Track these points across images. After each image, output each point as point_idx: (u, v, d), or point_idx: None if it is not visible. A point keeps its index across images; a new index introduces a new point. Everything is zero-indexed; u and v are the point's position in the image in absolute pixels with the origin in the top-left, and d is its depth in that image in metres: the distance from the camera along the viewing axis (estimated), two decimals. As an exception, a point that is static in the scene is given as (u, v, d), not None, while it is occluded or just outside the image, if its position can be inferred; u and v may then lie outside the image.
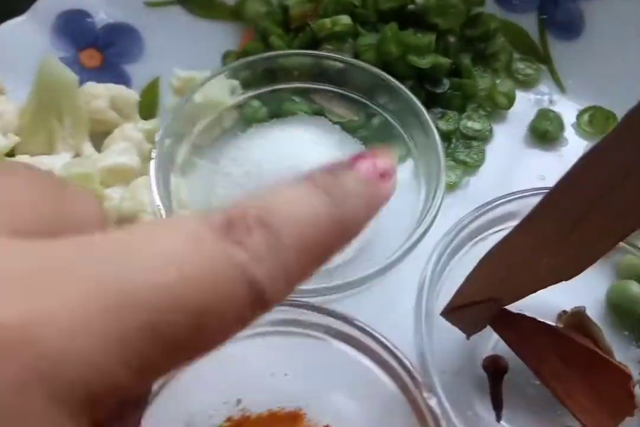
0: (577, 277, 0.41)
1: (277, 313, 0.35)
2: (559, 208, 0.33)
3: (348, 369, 0.35)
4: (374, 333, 0.34)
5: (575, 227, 0.34)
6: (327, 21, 0.45)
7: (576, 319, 0.39)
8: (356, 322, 0.34)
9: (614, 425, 0.37)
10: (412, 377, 0.32)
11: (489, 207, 0.39)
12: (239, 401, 0.37)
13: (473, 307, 0.37)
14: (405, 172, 0.45)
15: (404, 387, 0.33)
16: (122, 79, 0.49)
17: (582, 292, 0.41)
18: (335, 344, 0.35)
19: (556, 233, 0.34)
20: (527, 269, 0.36)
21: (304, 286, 0.39)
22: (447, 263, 0.38)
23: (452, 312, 0.37)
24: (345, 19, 0.46)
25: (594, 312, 0.41)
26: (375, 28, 0.47)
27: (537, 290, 0.37)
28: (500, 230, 0.40)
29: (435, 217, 0.39)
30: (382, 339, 0.33)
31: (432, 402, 0.31)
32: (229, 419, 0.37)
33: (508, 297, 0.38)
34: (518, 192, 0.39)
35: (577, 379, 0.37)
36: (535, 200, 0.32)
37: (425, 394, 0.31)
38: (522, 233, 0.34)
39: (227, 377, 0.36)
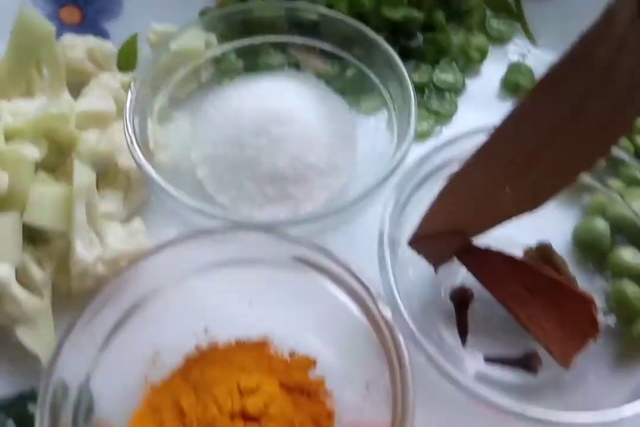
0: (545, 216, 0.42)
1: (243, 243, 0.36)
2: (516, 137, 0.34)
3: (311, 294, 0.36)
4: (335, 256, 0.34)
5: (534, 157, 0.34)
6: (300, -27, 0.47)
7: (541, 252, 0.40)
8: (317, 246, 0.35)
9: (578, 349, 0.37)
10: (369, 292, 0.32)
11: (452, 142, 0.40)
12: (206, 331, 0.38)
13: (439, 238, 0.38)
14: (380, 121, 0.46)
15: (363, 305, 0.33)
16: (101, 36, 0.50)
17: (550, 231, 0.42)
18: (297, 271, 0.36)
19: (515, 163, 0.35)
20: (489, 199, 0.36)
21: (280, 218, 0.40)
22: (411, 195, 0.39)
23: (418, 242, 0.38)
24: (317, -30, 0.47)
25: (561, 248, 0.42)
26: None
27: (501, 222, 0.38)
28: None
29: (403, 158, 0.40)
30: (342, 261, 0.34)
31: (387, 313, 0.32)
32: (197, 349, 0.38)
33: (473, 229, 0.38)
34: (480, 129, 0.40)
35: (541, 306, 0.38)
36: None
37: (381, 306, 0.32)
38: (479, 162, 0.34)
39: (194, 307, 0.37)
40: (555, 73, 0.31)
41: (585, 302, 0.37)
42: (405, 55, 0.49)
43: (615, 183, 0.41)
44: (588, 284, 0.40)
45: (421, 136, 0.47)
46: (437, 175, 0.40)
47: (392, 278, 0.34)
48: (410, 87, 0.42)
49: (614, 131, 0.34)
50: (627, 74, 0.31)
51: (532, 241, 0.41)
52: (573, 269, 0.41)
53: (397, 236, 0.37)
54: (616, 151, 0.41)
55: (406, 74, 0.42)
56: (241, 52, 0.48)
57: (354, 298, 0.34)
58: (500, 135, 0.34)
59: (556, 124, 0.33)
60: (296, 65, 0.47)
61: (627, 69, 0.31)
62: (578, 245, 0.42)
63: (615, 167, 0.41)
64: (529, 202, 0.37)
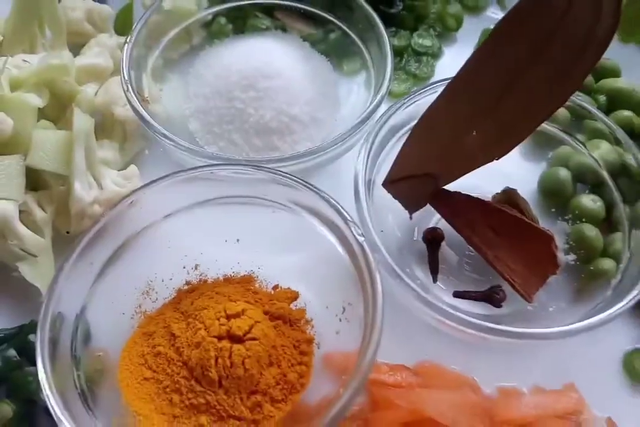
0: (513, 166, 0.45)
1: (227, 182, 0.39)
2: (479, 79, 0.37)
3: (294, 229, 0.39)
4: (315, 188, 0.37)
5: (498, 100, 0.37)
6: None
7: (506, 195, 0.43)
8: (299, 181, 0.37)
9: (539, 285, 0.40)
10: (345, 220, 0.35)
11: (421, 93, 0.42)
12: (196, 266, 0.41)
13: (412, 181, 0.41)
14: (358, 82, 0.49)
15: (341, 235, 0.36)
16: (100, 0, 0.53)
17: (518, 181, 0.45)
18: (281, 207, 0.39)
19: (479, 106, 0.38)
20: (457, 143, 0.39)
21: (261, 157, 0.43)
22: (385, 142, 0.41)
23: (393, 184, 0.41)
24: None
25: (528, 196, 0.44)
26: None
27: (471, 168, 0.41)
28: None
29: (374, 110, 0.43)
30: (319, 192, 0.36)
31: (361, 238, 0.35)
32: (187, 283, 0.41)
33: (445, 175, 0.41)
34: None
35: (507, 246, 0.41)
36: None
37: (355, 232, 0.35)
38: (444, 105, 0.37)
39: (185, 243, 0.40)
40: (516, 14, 0.34)
41: (547, 240, 0.40)
42: (386, 21, 0.52)
43: (580, 135, 0.44)
44: (551, 226, 0.43)
45: (399, 96, 0.50)
46: (410, 125, 0.42)
47: (366, 213, 0.37)
48: (389, 46, 0.45)
49: (576, 74, 0.37)
50: (585, 15, 0.34)
51: (499, 189, 0.44)
52: (538, 214, 0.44)
53: (373, 178, 0.40)
54: (581, 103, 0.43)
55: (386, 35, 0.45)
56: (230, 16, 0.51)
57: (332, 229, 0.37)
58: (464, 78, 0.36)
59: (518, 66, 0.36)
60: (283, 29, 0.50)
61: (585, 11, 0.34)
62: (542, 192, 0.45)
63: (580, 119, 0.44)
64: (496, 146, 0.40)
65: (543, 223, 0.44)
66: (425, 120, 0.38)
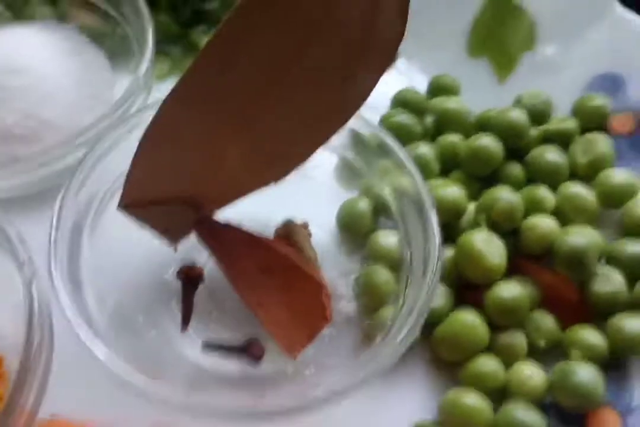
0: (315, 195, 0.38)
1: None
2: (223, 72, 0.28)
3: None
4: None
5: (255, 111, 0.30)
6: None
7: (286, 229, 0.36)
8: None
9: (307, 338, 0.33)
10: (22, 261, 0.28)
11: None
12: None
13: (164, 206, 0.33)
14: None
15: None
16: None
17: (319, 211, 0.38)
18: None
19: (229, 116, 0.30)
20: (215, 162, 0.32)
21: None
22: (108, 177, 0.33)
23: (135, 208, 0.33)
24: None
25: (327, 229, 0.37)
26: None
27: (242, 194, 0.34)
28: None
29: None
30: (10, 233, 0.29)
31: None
32: None
33: (209, 200, 0.34)
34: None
35: (274, 290, 0.34)
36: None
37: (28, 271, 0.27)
38: (182, 109, 0.30)
39: None
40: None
41: (317, 288, 0.33)
42: (199, 17, 0.46)
43: (383, 164, 0.37)
44: (344, 267, 0.36)
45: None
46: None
47: (52, 248, 0.29)
48: (150, 50, 0.38)
49: (359, 81, 0.30)
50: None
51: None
52: (335, 250, 0.37)
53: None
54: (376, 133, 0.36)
55: (150, 29, 0.39)
56: (8, 1, 0.43)
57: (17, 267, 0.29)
58: (199, 76, 0.28)
59: (273, 67, 0.28)
60: (64, 19, 0.43)
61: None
62: (340, 225, 0.38)
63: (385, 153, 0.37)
64: (267, 169, 0.33)
65: (337, 262, 0.36)
66: (157, 129, 0.30)
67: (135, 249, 0.33)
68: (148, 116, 0.29)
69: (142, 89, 0.37)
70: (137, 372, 0.27)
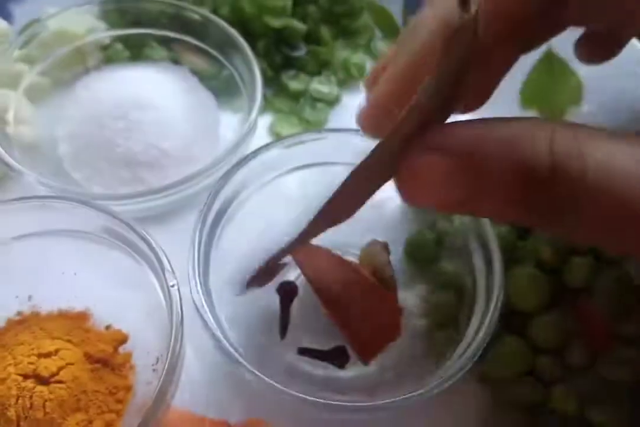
0: (384, 225, 0.45)
1: (71, 215, 0.38)
2: None
3: (127, 272, 0.37)
4: (150, 241, 0.36)
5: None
6: (189, -25, 0.49)
7: (370, 247, 0.42)
8: (136, 228, 0.36)
9: (378, 350, 0.39)
10: (163, 270, 0.34)
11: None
12: (30, 297, 0.39)
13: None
14: (235, 121, 0.48)
15: (162, 286, 0.35)
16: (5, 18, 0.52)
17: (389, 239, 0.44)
18: (118, 247, 0.37)
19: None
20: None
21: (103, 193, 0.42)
22: (228, 204, 0.40)
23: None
24: (204, -26, 0.49)
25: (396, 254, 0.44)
26: (239, -11, 0.51)
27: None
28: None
29: (228, 155, 0.42)
30: (154, 245, 0.35)
31: (172, 282, 0.33)
32: (19, 313, 0.39)
33: None
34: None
35: (354, 305, 0.40)
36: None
37: (169, 280, 0.33)
38: None
39: (19, 272, 0.39)
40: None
41: (392, 305, 0.39)
42: (288, 63, 0.52)
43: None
44: (413, 288, 0.43)
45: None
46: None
47: (195, 263, 0.35)
48: (260, 98, 0.45)
49: None
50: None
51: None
52: (404, 272, 0.43)
53: (218, 232, 0.39)
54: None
55: (260, 83, 0.45)
56: (128, 42, 0.50)
57: (157, 276, 0.35)
58: None
59: None
60: (176, 61, 0.49)
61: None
62: (407, 253, 0.44)
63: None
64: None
65: (405, 285, 0.43)
66: None
67: (244, 265, 0.40)
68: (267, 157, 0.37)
69: (254, 128, 0.43)
70: (248, 364, 0.34)
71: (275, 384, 0.34)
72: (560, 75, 0.53)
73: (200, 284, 0.35)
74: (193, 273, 0.35)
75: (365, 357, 0.39)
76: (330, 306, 0.40)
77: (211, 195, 0.37)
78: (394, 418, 0.39)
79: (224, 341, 0.34)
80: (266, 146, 0.40)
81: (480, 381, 0.41)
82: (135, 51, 0.50)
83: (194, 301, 0.34)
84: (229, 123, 0.48)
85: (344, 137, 0.41)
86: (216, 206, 0.38)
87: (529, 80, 0.54)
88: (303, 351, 0.40)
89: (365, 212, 0.43)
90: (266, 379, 0.33)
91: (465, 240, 0.42)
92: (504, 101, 0.53)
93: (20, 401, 0.34)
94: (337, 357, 0.40)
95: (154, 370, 0.36)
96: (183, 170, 0.44)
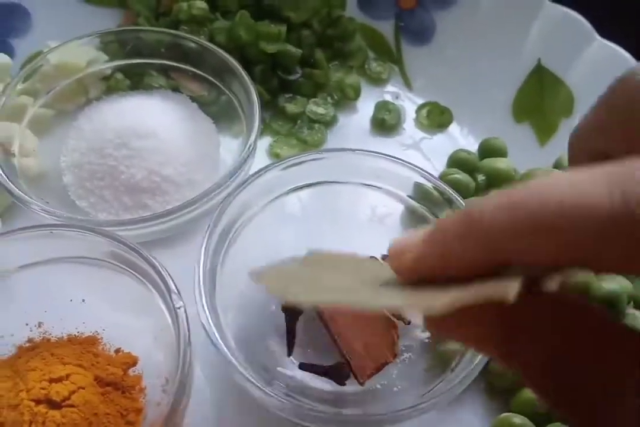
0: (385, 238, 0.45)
1: (77, 242, 0.39)
2: None
3: (134, 296, 0.38)
4: (156, 265, 0.37)
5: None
6: (184, 5, 0.51)
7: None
8: (142, 252, 0.37)
9: (375, 368, 0.40)
10: (169, 292, 0.35)
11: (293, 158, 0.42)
12: (40, 324, 0.40)
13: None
14: (235, 145, 0.49)
15: (169, 308, 0.36)
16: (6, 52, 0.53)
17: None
18: (123, 273, 0.38)
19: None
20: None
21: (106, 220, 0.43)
22: (232, 224, 0.40)
23: None
24: (200, 4, 0.51)
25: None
26: (235, 17, 0.52)
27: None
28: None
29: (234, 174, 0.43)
30: (160, 269, 0.36)
31: (179, 304, 0.34)
32: (30, 340, 0.40)
33: None
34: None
35: (351, 325, 0.41)
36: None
37: (176, 303, 0.34)
38: None
39: (28, 299, 0.40)
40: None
41: (389, 325, 0.40)
42: (284, 87, 0.54)
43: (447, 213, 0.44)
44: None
45: (286, 161, 0.50)
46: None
47: (200, 282, 0.36)
48: (258, 118, 0.46)
49: None
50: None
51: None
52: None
53: (224, 248, 0.40)
54: (443, 187, 0.43)
55: (258, 108, 0.46)
56: (128, 72, 0.51)
57: (164, 298, 0.36)
58: None
59: None
60: (176, 89, 0.51)
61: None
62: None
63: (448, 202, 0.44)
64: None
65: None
66: None
67: (249, 285, 0.41)
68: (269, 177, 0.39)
69: (253, 151, 0.44)
70: (255, 381, 0.35)
71: (284, 400, 0.35)
72: (551, 87, 0.54)
73: (207, 303, 0.36)
74: (199, 293, 0.36)
75: (361, 376, 0.40)
76: (330, 322, 0.41)
77: (215, 217, 0.38)
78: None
79: (232, 359, 0.35)
80: (266, 167, 0.41)
81: (486, 391, 0.42)
82: (135, 80, 0.51)
83: (201, 321, 0.35)
84: (228, 147, 0.49)
85: (343, 157, 0.42)
86: (220, 227, 0.39)
87: (520, 93, 0.55)
88: (304, 367, 0.41)
89: (363, 228, 0.44)
90: (274, 395, 0.34)
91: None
92: (498, 115, 0.55)
93: (33, 426, 0.35)
94: (336, 374, 0.40)
95: (163, 391, 0.37)
96: (185, 195, 0.46)
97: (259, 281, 0.36)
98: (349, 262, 0.38)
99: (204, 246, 0.37)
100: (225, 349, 0.35)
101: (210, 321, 0.35)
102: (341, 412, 0.39)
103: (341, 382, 0.40)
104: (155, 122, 0.46)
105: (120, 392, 0.38)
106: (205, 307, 0.35)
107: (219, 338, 0.35)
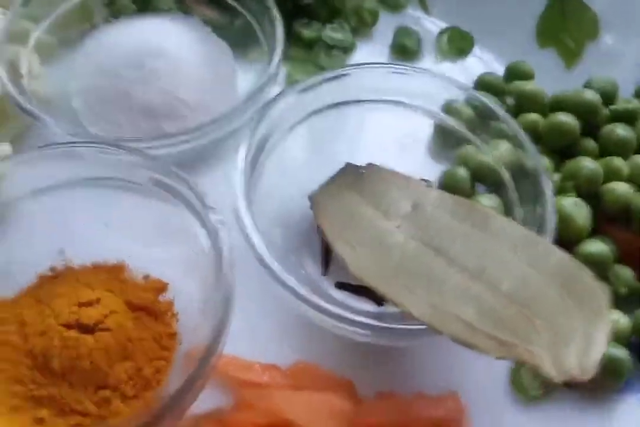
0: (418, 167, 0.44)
1: (98, 161, 0.36)
2: None
3: (162, 217, 0.36)
4: (189, 180, 0.35)
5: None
6: None
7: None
8: (173, 170, 0.35)
9: None
10: (204, 207, 0.33)
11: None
12: (61, 251, 0.38)
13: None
14: (259, 71, 0.47)
15: (204, 225, 0.34)
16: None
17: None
18: (152, 194, 0.36)
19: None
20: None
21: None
22: (268, 137, 0.39)
23: None
24: None
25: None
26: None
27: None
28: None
29: (254, 96, 0.42)
30: (194, 186, 0.34)
31: (218, 226, 0.32)
32: (52, 269, 0.38)
33: None
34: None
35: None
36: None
37: (213, 220, 0.32)
38: None
39: (47, 225, 0.37)
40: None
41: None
42: (299, 11, 0.51)
43: (485, 135, 0.42)
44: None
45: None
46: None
47: (241, 197, 0.35)
48: (281, 38, 0.44)
49: None
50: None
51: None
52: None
53: (261, 161, 0.38)
54: (485, 102, 0.42)
55: (280, 26, 0.44)
56: (134, -5, 0.48)
57: (197, 216, 0.34)
58: None
59: None
60: (186, 11, 0.48)
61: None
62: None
63: (485, 119, 0.42)
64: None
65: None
66: None
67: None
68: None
69: (274, 78, 0.42)
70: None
71: (332, 309, 0.33)
72: (574, 11, 0.53)
73: (249, 213, 0.34)
74: (241, 196, 0.35)
75: None
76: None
77: (253, 126, 0.37)
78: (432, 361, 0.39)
79: (275, 269, 0.33)
80: (304, 82, 0.40)
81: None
82: (142, 3, 0.48)
83: (245, 232, 0.33)
84: (244, 74, 0.47)
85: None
86: (257, 137, 0.38)
87: (542, 19, 0.53)
88: (340, 286, 0.39)
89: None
90: (322, 303, 0.32)
91: (501, 173, 0.41)
92: (521, 39, 0.53)
93: (64, 352, 0.33)
94: (374, 293, 0.39)
95: (203, 314, 0.35)
96: (200, 120, 0.43)
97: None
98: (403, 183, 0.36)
99: (243, 154, 0.35)
100: (271, 259, 0.33)
101: (255, 231, 0.33)
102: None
103: (379, 302, 0.39)
104: (168, 43, 0.44)
105: (154, 318, 0.36)
106: (249, 217, 0.34)
107: (265, 247, 0.33)
